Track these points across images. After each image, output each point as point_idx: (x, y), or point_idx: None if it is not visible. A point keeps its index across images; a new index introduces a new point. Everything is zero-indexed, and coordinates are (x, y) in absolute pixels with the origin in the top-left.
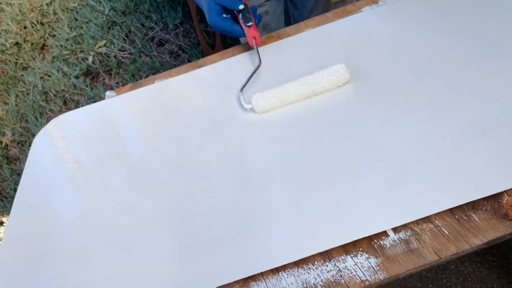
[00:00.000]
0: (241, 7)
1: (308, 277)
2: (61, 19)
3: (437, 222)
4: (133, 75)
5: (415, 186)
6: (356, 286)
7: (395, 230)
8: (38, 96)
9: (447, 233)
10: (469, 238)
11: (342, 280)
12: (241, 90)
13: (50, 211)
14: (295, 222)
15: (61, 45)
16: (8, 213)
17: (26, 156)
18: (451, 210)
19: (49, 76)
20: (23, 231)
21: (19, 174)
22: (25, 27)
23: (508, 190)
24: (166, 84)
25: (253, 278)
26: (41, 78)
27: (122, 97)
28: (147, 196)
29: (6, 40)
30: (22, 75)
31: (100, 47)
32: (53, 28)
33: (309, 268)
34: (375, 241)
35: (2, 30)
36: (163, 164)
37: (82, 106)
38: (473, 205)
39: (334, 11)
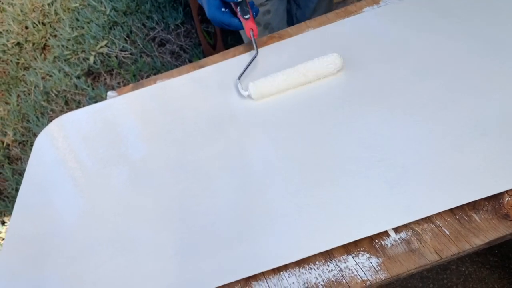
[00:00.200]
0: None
1: (310, 276)
2: (63, 19)
3: (438, 222)
4: (134, 75)
5: (416, 186)
6: (357, 286)
7: (396, 230)
8: (39, 96)
9: (448, 233)
10: (470, 238)
11: (344, 280)
12: (239, 78)
13: (52, 211)
14: (296, 222)
15: (63, 45)
16: (10, 213)
17: (28, 156)
18: (452, 210)
19: (50, 76)
20: (25, 231)
21: (21, 174)
22: (26, 27)
23: (509, 190)
24: (168, 85)
25: (254, 277)
26: (42, 78)
27: (124, 97)
28: (149, 196)
29: (7, 40)
30: (24, 75)
31: (101, 47)
32: (54, 28)
33: (311, 268)
34: (376, 241)
35: (3, 30)
36: (165, 164)
37: (84, 106)
38: (474, 205)
39: (336, 12)
